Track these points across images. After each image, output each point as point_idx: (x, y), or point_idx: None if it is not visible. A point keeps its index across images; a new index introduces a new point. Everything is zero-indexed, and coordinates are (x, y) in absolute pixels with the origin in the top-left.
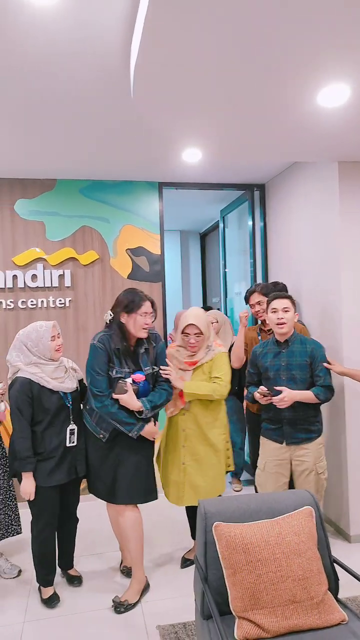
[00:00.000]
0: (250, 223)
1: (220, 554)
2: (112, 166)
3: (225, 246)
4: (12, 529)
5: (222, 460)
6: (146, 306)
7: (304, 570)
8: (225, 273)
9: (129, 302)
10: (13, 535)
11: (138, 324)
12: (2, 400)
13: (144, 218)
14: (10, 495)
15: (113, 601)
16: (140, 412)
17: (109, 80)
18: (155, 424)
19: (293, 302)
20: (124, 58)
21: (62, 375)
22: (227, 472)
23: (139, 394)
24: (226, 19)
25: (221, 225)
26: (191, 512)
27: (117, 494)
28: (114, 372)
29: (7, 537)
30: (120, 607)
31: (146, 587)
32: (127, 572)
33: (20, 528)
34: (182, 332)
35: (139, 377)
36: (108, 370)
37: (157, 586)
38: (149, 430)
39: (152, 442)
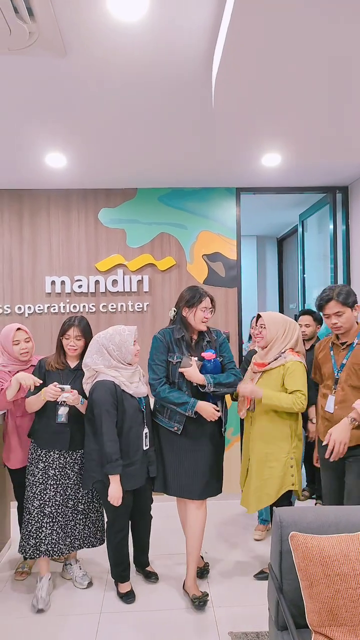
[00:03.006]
0: (332, 227)
1: (296, 565)
2: (191, 174)
3: (304, 251)
4: (89, 541)
5: (279, 474)
6: (206, 302)
7: None
8: (303, 279)
9: (190, 298)
10: (89, 547)
11: (198, 317)
12: (64, 404)
13: (220, 224)
14: (92, 507)
15: (192, 600)
16: (203, 386)
17: (189, 92)
18: (217, 406)
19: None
20: (206, 68)
21: (138, 381)
22: (291, 492)
23: (207, 372)
24: (305, 27)
25: (300, 229)
26: None
27: (197, 489)
28: (174, 357)
29: (83, 547)
30: (201, 600)
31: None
32: (199, 572)
33: (98, 541)
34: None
35: (209, 355)
36: (167, 360)
37: (231, 592)
38: (204, 407)
39: (223, 438)
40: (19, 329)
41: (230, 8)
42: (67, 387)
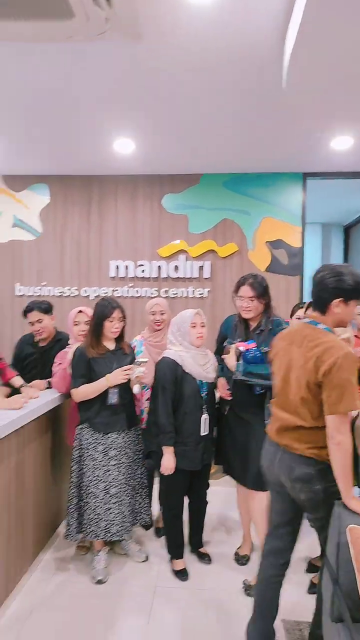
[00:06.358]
0: None
1: (353, 557)
2: (257, 159)
3: None
4: (141, 517)
5: None
6: (242, 290)
7: None
8: None
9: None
10: (141, 524)
11: (237, 306)
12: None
13: (285, 210)
14: (142, 483)
15: (243, 583)
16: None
17: (260, 73)
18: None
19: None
20: (278, 48)
21: (203, 364)
22: None
23: (247, 362)
24: None
25: None
26: None
27: (248, 477)
28: (226, 342)
29: (134, 524)
30: (250, 589)
31: None
32: (239, 559)
33: (150, 519)
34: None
35: (249, 345)
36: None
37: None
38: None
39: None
40: (80, 311)
41: None
42: (144, 360)
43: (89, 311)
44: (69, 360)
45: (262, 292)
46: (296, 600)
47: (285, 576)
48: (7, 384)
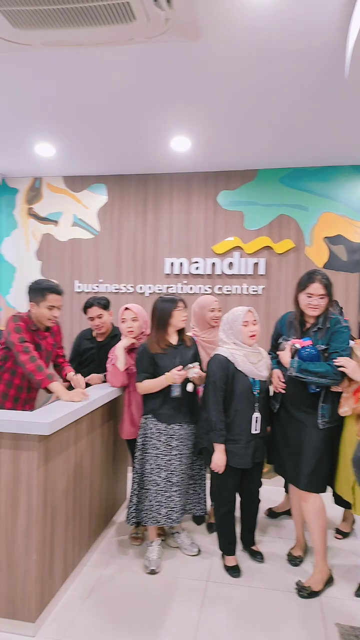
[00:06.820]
0: None
1: None
2: (315, 152)
3: None
4: (199, 507)
5: None
6: (313, 287)
7: None
8: None
9: (300, 280)
10: (195, 514)
11: (302, 302)
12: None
13: (345, 204)
14: (201, 474)
15: (296, 584)
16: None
17: (320, 65)
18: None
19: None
20: (340, 39)
21: (256, 361)
22: None
23: (302, 359)
24: None
25: None
26: None
27: (301, 479)
28: (281, 339)
29: (189, 513)
30: (304, 591)
31: (330, 580)
32: (292, 560)
33: (204, 511)
34: None
35: (305, 342)
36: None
37: (341, 584)
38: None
39: (340, 428)
40: (126, 308)
41: None
42: (197, 363)
43: (135, 308)
44: (116, 356)
45: (331, 290)
46: (352, 605)
47: None
48: (64, 379)
